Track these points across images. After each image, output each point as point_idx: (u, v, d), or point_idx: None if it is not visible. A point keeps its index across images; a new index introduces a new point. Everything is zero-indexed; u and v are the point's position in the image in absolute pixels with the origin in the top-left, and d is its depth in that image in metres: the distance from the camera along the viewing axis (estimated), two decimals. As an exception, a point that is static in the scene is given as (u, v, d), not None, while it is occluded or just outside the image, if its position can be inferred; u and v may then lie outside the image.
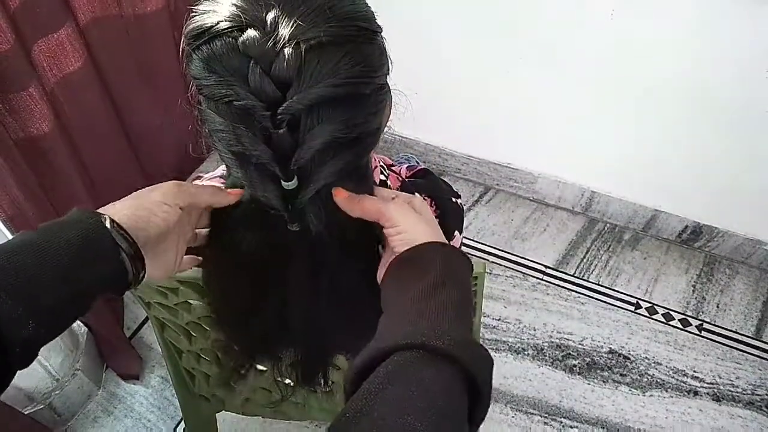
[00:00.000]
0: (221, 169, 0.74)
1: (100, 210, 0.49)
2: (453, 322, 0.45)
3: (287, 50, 0.44)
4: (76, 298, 0.45)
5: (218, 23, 0.46)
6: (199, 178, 0.73)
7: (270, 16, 0.45)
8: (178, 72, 1.43)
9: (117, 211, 0.49)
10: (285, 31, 0.44)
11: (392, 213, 0.53)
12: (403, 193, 0.60)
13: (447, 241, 0.54)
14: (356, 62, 0.47)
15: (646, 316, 1.52)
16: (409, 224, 0.53)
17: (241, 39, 0.45)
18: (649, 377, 1.40)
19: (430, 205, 0.69)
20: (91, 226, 0.46)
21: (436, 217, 0.68)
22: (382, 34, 0.51)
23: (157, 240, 0.52)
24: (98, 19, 1.20)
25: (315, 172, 0.49)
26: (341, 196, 0.53)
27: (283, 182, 0.49)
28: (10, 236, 1.09)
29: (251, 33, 0.45)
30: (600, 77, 1.41)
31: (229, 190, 0.57)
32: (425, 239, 0.53)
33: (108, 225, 0.47)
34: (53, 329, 0.45)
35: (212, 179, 0.71)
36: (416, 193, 0.68)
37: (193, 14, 0.48)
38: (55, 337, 0.45)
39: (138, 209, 0.50)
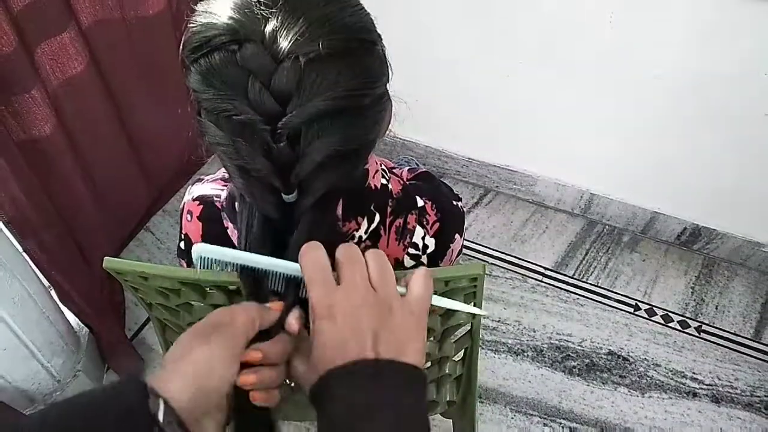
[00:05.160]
0: (222, 172, 0.74)
1: (155, 382, 0.38)
2: None
3: (286, 64, 0.44)
4: None
5: (216, 36, 0.45)
6: (200, 181, 0.73)
7: (268, 28, 0.44)
8: (180, 75, 1.43)
9: (175, 390, 0.39)
10: (284, 44, 0.44)
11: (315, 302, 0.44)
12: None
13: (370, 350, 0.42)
14: (356, 74, 0.46)
15: (645, 318, 1.52)
16: (320, 331, 0.43)
17: (240, 53, 0.45)
18: (648, 379, 1.41)
19: (431, 209, 0.69)
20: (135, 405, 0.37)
21: (436, 220, 0.69)
22: (381, 41, 0.51)
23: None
24: (100, 22, 1.20)
25: (314, 183, 0.49)
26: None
27: (283, 194, 0.49)
28: (10, 237, 1.10)
29: (250, 46, 0.44)
30: (599, 80, 1.42)
31: (269, 305, 0.48)
32: (328, 362, 0.42)
33: (161, 417, 0.37)
34: None
35: (214, 181, 0.71)
36: (415, 204, 0.67)
37: (191, 26, 0.47)
38: None
39: (197, 379, 0.40)
